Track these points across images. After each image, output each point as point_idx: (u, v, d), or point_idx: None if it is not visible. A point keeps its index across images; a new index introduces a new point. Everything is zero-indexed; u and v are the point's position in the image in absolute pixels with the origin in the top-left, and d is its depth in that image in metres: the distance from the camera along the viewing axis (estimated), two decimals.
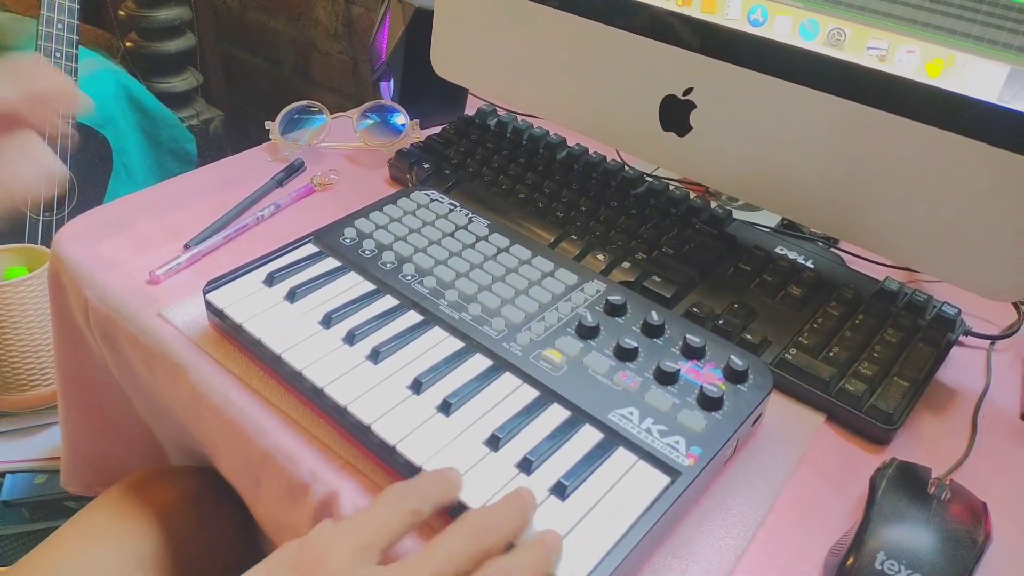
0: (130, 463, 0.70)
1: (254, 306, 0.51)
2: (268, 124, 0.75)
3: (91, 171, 1.05)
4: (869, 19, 0.48)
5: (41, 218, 1.03)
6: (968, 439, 0.49)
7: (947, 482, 0.43)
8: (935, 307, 0.55)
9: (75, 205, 1.06)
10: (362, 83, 1.33)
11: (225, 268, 0.54)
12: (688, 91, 0.58)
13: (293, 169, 0.72)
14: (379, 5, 1.23)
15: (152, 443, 0.69)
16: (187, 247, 0.61)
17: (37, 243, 0.99)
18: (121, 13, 1.25)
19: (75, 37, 0.96)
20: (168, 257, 0.60)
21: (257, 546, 0.63)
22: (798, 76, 0.52)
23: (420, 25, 0.74)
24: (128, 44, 1.29)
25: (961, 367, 0.55)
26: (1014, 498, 0.46)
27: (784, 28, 0.52)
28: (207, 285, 0.52)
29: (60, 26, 0.94)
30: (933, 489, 0.43)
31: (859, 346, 0.52)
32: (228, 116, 1.43)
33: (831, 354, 0.51)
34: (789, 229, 0.68)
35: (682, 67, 0.58)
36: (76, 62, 0.98)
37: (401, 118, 0.76)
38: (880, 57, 0.49)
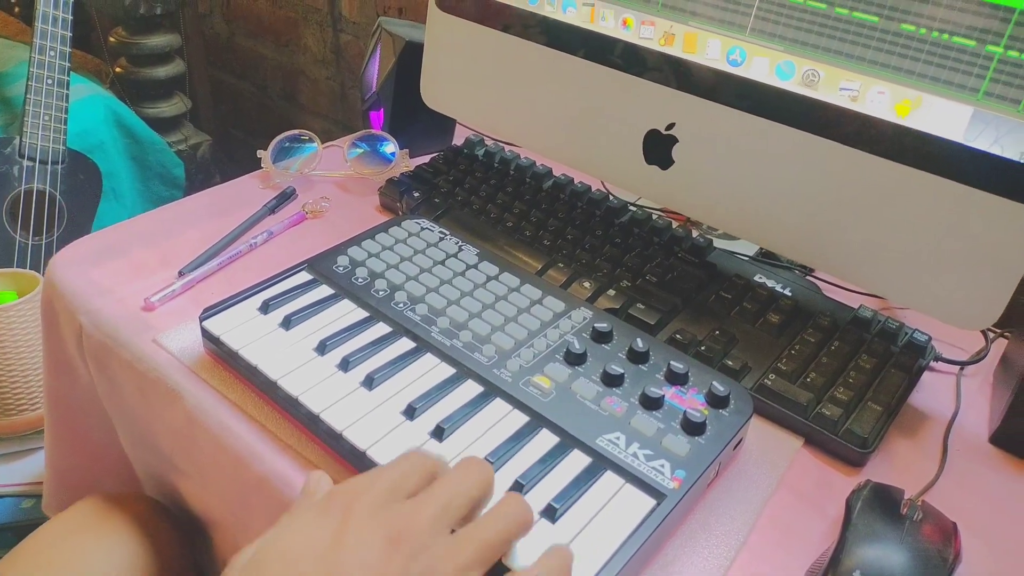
0: (110, 490, 0.71)
1: (250, 333, 0.52)
2: (260, 153, 0.76)
3: (80, 196, 1.05)
4: (842, 62, 0.51)
5: (30, 242, 1.03)
6: (939, 462, 0.52)
7: (919, 503, 0.45)
8: (907, 334, 0.58)
9: (64, 229, 1.06)
10: (350, 109, 1.35)
11: (219, 295, 0.55)
12: (670, 126, 0.61)
13: (285, 196, 0.73)
14: (369, 36, 1.26)
15: (128, 472, 0.69)
16: (181, 274, 0.62)
17: (26, 268, 0.99)
18: (111, 39, 1.26)
19: (67, 64, 0.97)
20: (162, 284, 0.61)
21: None
22: (775, 114, 0.55)
23: (410, 57, 0.76)
24: (118, 70, 1.30)
25: (932, 392, 0.58)
26: (983, 519, 0.48)
27: (761, 68, 0.55)
28: (203, 312, 0.53)
29: (52, 53, 0.96)
30: (906, 510, 0.45)
31: (835, 372, 0.54)
32: (216, 140, 1.44)
33: (808, 380, 0.53)
34: (767, 258, 0.71)
35: (664, 103, 0.60)
36: (68, 88, 0.99)
37: (391, 147, 0.78)
38: (852, 97, 0.52)
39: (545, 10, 0.65)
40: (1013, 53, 0.45)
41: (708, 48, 0.57)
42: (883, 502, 0.45)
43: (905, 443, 0.53)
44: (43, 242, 1.05)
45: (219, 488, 0.53)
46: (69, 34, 0.97)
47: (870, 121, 0.51)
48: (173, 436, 0.55)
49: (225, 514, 0.55)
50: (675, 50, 0.58)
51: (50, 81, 0.97)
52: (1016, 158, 0.47)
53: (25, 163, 1.00)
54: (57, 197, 1.04)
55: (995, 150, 0.47)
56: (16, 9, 1.48)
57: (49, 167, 1.02)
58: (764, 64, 0.55)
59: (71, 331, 0.61)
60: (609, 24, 0.61)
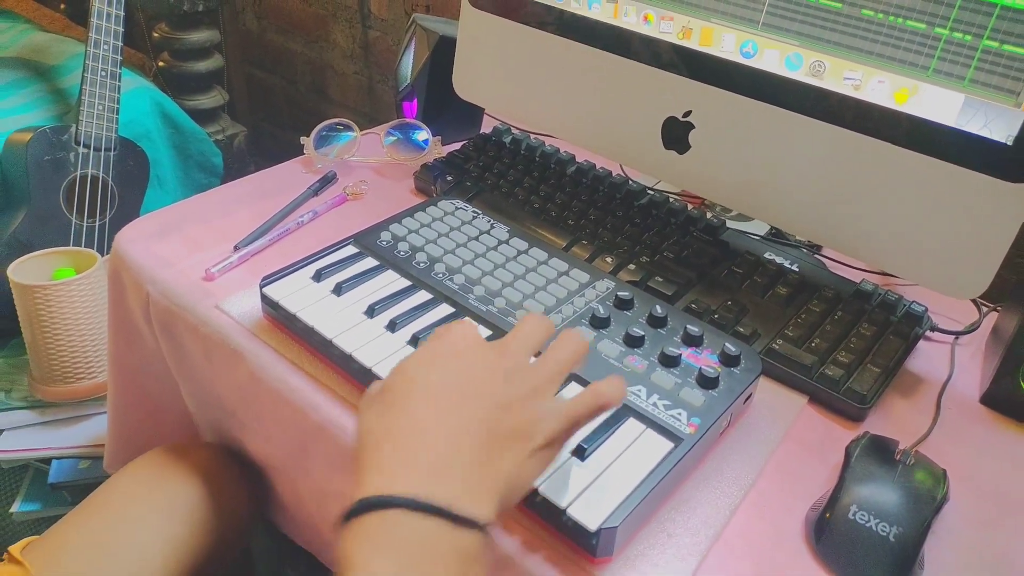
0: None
1: (305, 298, 0.58)
2: (303, 139, 0.82)
3: (130, 181, 1.12)
4: (846, 54, 0.56)
5: (85, 224, 1.09)
6: (932, 418, 0.56)
7: (912, 452, 0.50)
8: (905, 305, 0.63)
9: (114, 213, 1.13)
10: (377, 102, 1.41)
11: (272, 267, 0.61)
12: (687, 114, 0.66)
13: (327, 180, 0.79)
14: (396, 32, 1.31)
15: (189, 427, 0.75)
16: (236, 248, 0.68)
17: (82, 247, 1.05)
18: (155, 35, 1.33)
19: (119, 57, 1.03)
20: (218, 258, 0.66)
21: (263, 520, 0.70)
22: (784, 102, 0.60)
23: (443, 51, 0.81)
24: (161, 64, 1.37)
25: (928, 359, 0.63)
26: (972, 468, 0.53)
27: (772, 60, 0.60)
28: (263, 280, 0.59)
29: (106, 47, 1.02)
30: (899, 456, 0.50)
31: (837, 338, 0.59)
32: (250, 132, 1.50)
33: (813, 344, 0.58)
34: (777, 237, 0.75)
35: (682, 92, 0.65)
36: (119, 79, 1.06)
37: (424, 135, 0.83)
38: (855, 86, 0.57)
39: (571, 7, 0.70)
40: (992, 43, 0.50)
41: (723, 41, 0.62)
42: (879, 450, 0.50)
43: (902, 402, 0.58)
44: (96, 224, 1.11)
45: (279, 437, 0.59)
46: (121, 29, 1.03)
47: (871, 108, 0.56)
48: (236, 393, 0.61)
49: (285, 460, 0.60)
50: (692, 43, 0.63)
51: (103, 73, 1.03)
52: (1004, 140, 0.51)
53: (80, 150, 1.07)
54: (109, 182, 1.10)
55: (984, 133, 0.52)
56: (62, 6, 1.55)
57: (103, 154, 1.08)
58: (775, 56, 0.60)
59: (138, 300, 0.66)
60: (631, 19, 0.66)
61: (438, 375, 0.40)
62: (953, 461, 0.51)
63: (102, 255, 0.99)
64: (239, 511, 0.66)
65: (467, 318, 0.44)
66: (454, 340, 0.42)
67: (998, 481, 0.52)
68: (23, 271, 0.93)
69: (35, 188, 1.05)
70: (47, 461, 0.96)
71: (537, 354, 0.44)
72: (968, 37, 0.51)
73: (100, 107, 1.05)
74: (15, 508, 0.95)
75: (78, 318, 0.92)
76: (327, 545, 0.63)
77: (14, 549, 0.59)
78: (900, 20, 0.53)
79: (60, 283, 0.91)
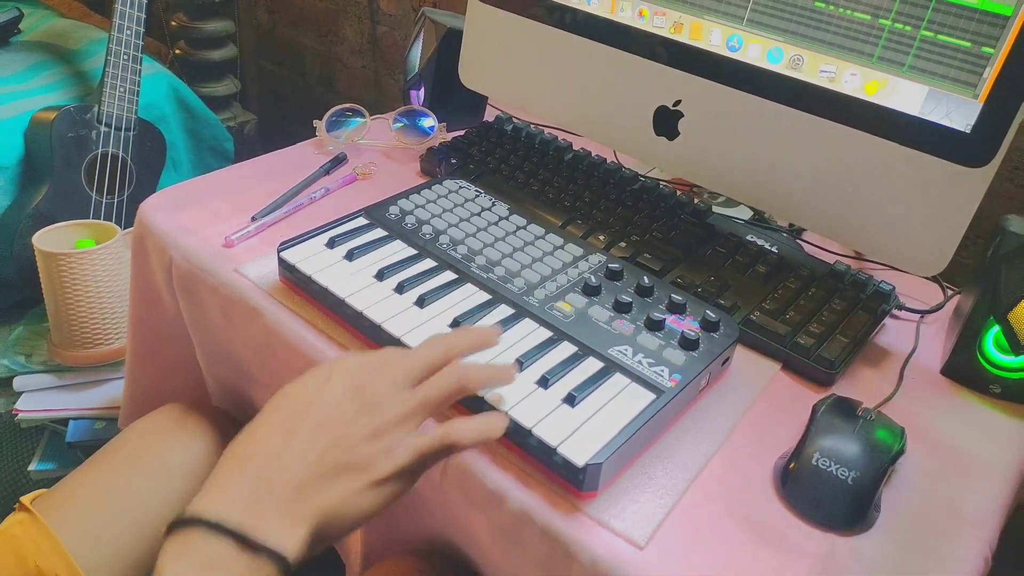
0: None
1: (320, 262, 0.62)
2: (316, 122, 0.87)
3: (147, 161, 1.17)
4: (821, 49, 0.61)
5: (104, 200, 1.14)
6: (896, 385, 0.61)
7: (874, 410, 0.55)
8: (874, 285, 0.68)
9: (132, 190, 1.17)
10: (383, 95, 1.46)
11: (286, 237, 0.65)
12: (677, 103, 0.71)
13: (337, 161, 0.84)
14: (404, 27, 1.36)
15: (199, 389, 0.79)
16: (254, 219, 0.72)
17: (101, 220, 1.10)
18: (173, 23, 1.38)
19: (141, 42, 1.08)
20: (236, 227, 0.71)
21: None
22: (766, 92, 0.65)
23: (450, 43, 0.86)
24: (177, 51, 1.41)
25: (895, 335, 0.67)
26: (929, 429, 0.58)
27: (755, 53, 0.65)
28: (281, 244, 0.63)
29: (129, 32, 1.07)
30: (861, 413, 0.54)
31: (810, 312, 0.64)
32: (260, 120, 1.55)
33: (787, 316, 0.63)
34: (759, 222, 0.80)
35: (673, 83, 0.70)
36: (140, 63, 1.11)
37: (430, 121, 0.88)
38: (830, 78, 0.62)
39: (572, 2, 0.75)
40: (941, 37, 0.55)
41: (711, 36, 0.67)
42: (843, 408, 0.55)
43: (868, 371, 0.63)
44: (115, 201, 1.16)
45: None
46: (144, 16, 1.08)
47: (845, 98, 0.61)
48: (252, 348, 0.65)
49: None
50: (683, 37, 0.68)
51: (126, 56, 1.08)
52: (963, 128, 0.56)
53: (102, 129, 1.11)
54: (128, 161, 1.15)
55: (945, 122, 0.57)
56: None
57: (123, 133, 1.13)
58: (758, 50, 0.65)
59: (161, 264, 0.71)
60: (627, 14, 0.71)
61: (296, 402, 0.43)
62: (912, 421, 0.56)
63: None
64: None
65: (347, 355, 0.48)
66: (333, 368, 0.45)
67: (953, 441, 0.57)
68: (47, 240, 0.97)
69: (59, 164, 1.09)
70: (63, 423, 1.00)
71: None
72: (908, 28, 0.56)
73: (122, 89, 1.09)
74: (32, 467, 0.99)
75: (99, 286, 0.97)
76: None
77: (25, 499, 0.63)
78: (849, 12, 0.58)
79: (83, 252, 0.95)
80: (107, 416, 1.00)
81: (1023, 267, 0.58)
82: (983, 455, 0.56)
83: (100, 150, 1.12)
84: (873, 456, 0.51)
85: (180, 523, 0.38)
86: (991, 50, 0.54)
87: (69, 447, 0.98)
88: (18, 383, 1.03)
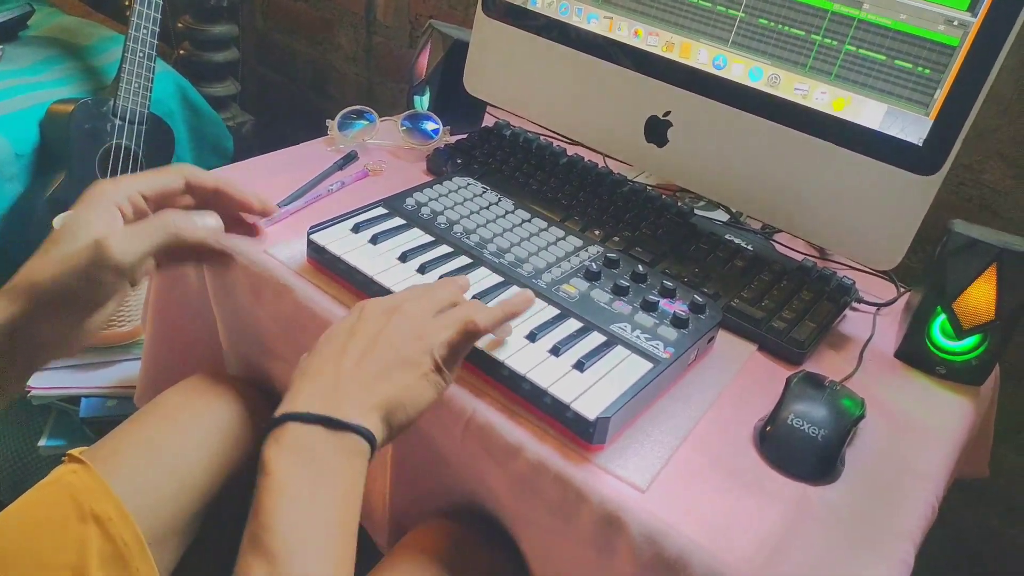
0: None
1: (347, 244, 0.68)
2: (328, 122, 0.93)
3: (156, 154, 1.21)
4: (795, 70, 0.70)
5: None
6: (856, 365, 0.70)
7: (839, 383, 0.63)
8: (837, 280, 0.76)
9: None
10: (376, 102, 1.52)
11: (308, 225, 0.70)
12: (667, 113, 0.79)
13: (349, 158, 0.90)
14: (399, 37, 1.43)
15: (218, 364, 0.83)
16: (279, 206, 0.78)
17: None
18: (179, 25, 1.43)
19: (155, 41, 1.13)
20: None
21: None
22: (747, 106, 0.73)
23: (456, 53, 0.94)
24: (182, 52, 1.46)
25: (855, 324, 0.76)
26: (884, 400, 0.66)
27: (738, 71, 0.73)
28: (311, 228, 0.69)
29: (145, 30, 1.12)
30: (828, 384, 0.63)
31: (782, 301, 0.72)
32: (256, 121, 1.60)
33: (763, 304, 0.71)
34: (735, 223, 0.89)
35: (663, 95, 0.78)
36: (154, 61, 1.16)
37: (435, 125, 0.95)
38: (803, 96, 0.70)
39: (573, 20, 0.83)
40: (899, 62, 0.64)
41: (699, 55, 0.75)
42: (812, 381, 0.63)
43: (832, 353, 0.71)
44: None
45: None
46: (159, 16, 1.13)
47: (815, 113, 0.70)
48: (280, 324, 0.71)
49: None
50: (674, 55, 0.77)
51: (142, 54, 1.13)
52: (916, 141, 0.65)
53: (117, 121, 1.16)
54: (140, 154, 1.19)
55: (901, 136, 0.66)
56: None
57: (136, 127, 1.17)
58: (741, 68, 0.73)
59: None
60: (624, 33, 0.80)
61: (341, 332, 0.51)
62: (870, 395, 0.64)
63: None
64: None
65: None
66: (364, 304, 0.54)
67: (905, 412, 0.66)
68: None
69: (75, 154, 1.13)
70: (72, 401, 1.03)
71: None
72: (834, 42, 0.66)
73: (136, 84, 1.14)
74: (42, 442, 1.02)
75: None
76: None
77: (74, 452, 0.67)
78: (819, 38, 0.67)
79: None
80: (118, 395, 1.03)
81: (967, 263, 0.67)
82: (931, 424, 0.65)
83: (114, 142, 1.16)
84: (839, 418, 0.59)
85: (273, 424, 0.45)
86: (941, 74, 0.63)
87: (82, 422, 1.02)
88: None
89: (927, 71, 0.64)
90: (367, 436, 0.46)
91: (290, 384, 0.48)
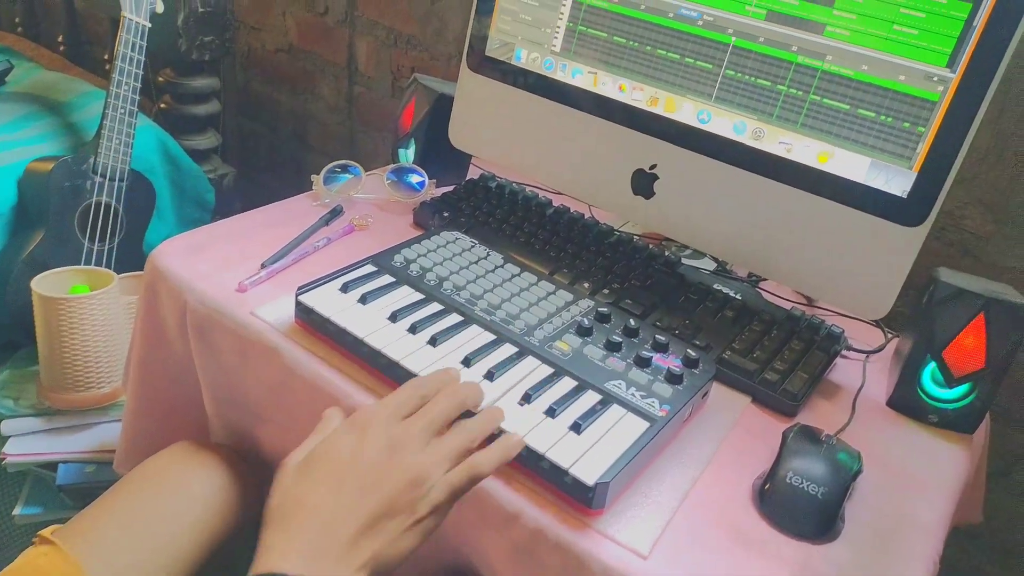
0: None
1: (336, 305, 0.68)
2: (313, 177, 0.92)
3: (137, 210, 1.20)
4: (779, 124, 0.71)
5: (95, 247, 1.16)
6: (849, 415, 0.70)
7: (834, 436, 0.63)
8: (826, 328, 0.77)
9: (121, 238, 1.20)
10: (358, 152, 1.52)
11: (294, 284, 0.69)
12: (653, 166, 0.79)
13: (335, 213, 0.89)
14: (380, 89, 1.44)
15: (200, 430, 0.82)
16: (264, 266, 0.77)
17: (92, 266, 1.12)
18: (160, 79, 1.42)
19: (136, 97, 1.13)
20: (246, 274, 0.75)
21: None
22: (732, 160, 0.74)
23: (440, 106, 0.94)
24: (163, 105, 1.46)
25: (846, 372, 0.76)
26: (880, 452, 0.66)
27: (722, 125, 0.74)
28: (299, 289, 0.69)
29: (126, 88, 1.11)
30: (824, 439, 0.62)
31: (774, 351, 0.72)
32: (238, 173, 1.59)
33: (755, 355, 0.71)
34: (722, 272, 0.89)
35: (649, 149, 0.79)
36: (136, 117, 1.15)
37: (420, 178, 0.95)
38: (787, 149, 0.71)
39: (557, 75, 0.84)
40: (883, 117, 0.65)
41: (683, 109, 0.76)
42: (809, 435, 0.63)
43: (825, 403, 0.71)
44: (105, 248, 1.18)
45: (306, 427, 0.68)
46: (141, 72, 1.13)
47: (800, 166, 0.71)
48: (267, 387, 0.69)
49: None
50: (658, 109, 0.78)
51: (123, 111, 1.12)
52: (900, 194, 0.66)
53: (97, 179, 1.15)
54: (120, 210, 1.18)
55: (886, 188, 0.67)
56: (61, 48, 1.63)
57: (116, 184, 1.16)
58: (725, 122, 0.74)
59: (174, 308, 0.75)
60: (608, 88, 0.80)
61: (337, 461, 0.48)
62: (865, 446, 0.64)
63: None
64: (251, 501, 0.74)
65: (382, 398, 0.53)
66: (365, 425, 0.50)
67: (901, 463, 0.66)
68: (44, 285, 0.99)
69: (54, 212, 1.11)
70: (49, 467, 1.00)
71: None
72: (799, 92, 0.67)
73: (117, 141, 1.13)
74: (17, 511, 0.99)
75: (95, 330, 0.99)
76: None
77: (44, 532, 0.65)
78: (799, 93, 0.69)
79: (81, 297, 0.98)
80: (96, 460, 1.01)
81: (954, 311, 0.67)
82: (927, 475, 0.65)
83: (94, 199, 1.15)
84: (838, 475, 0.59)
85: None
86: (923, 128, 0.64)
87: (59, 490, 0.98)
88: (6, 427, 1.03)
89: (907, 124, 0.65)
90: None
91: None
